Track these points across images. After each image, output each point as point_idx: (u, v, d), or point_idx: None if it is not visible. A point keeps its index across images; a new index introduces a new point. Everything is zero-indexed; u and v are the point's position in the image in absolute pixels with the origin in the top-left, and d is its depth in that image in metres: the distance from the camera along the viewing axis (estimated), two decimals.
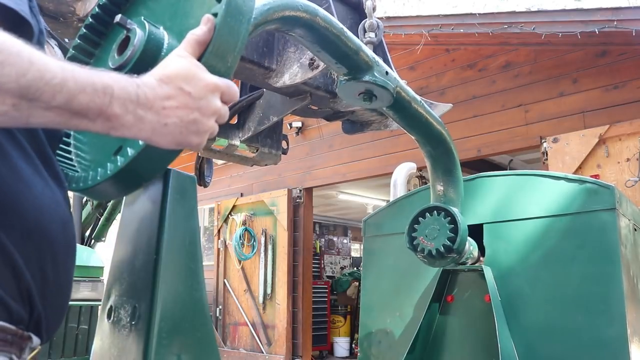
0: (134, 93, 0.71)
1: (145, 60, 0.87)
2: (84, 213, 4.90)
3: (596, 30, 4.20)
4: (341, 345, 8.99)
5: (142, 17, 0.91)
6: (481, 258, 1.87)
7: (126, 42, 0.89)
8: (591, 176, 3.88)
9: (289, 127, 7.57)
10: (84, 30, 1.08)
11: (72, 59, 1.08)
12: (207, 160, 2.18)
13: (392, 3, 5.75)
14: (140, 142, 0.79)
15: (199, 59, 0.79)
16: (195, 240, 1.19)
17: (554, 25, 4.51)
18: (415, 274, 2.03)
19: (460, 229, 1.62)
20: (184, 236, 1.13)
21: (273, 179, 7.94)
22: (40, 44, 0.87)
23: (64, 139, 1.04)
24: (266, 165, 2.15)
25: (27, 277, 0.80)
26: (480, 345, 1.75)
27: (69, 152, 1.02)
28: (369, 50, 1.30)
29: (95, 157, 0.96)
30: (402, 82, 1.40)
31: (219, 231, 8.35)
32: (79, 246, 4.20)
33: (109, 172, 0.83)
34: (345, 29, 1.22)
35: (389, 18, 5.40)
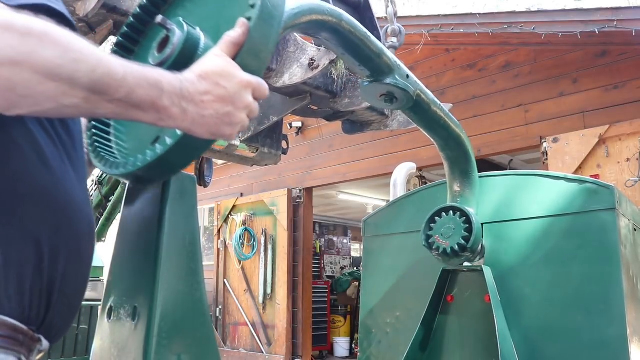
0: (179, 87, 0.78)
1: (184, 57, 0.93)
2: None
3: (596, 30, 4.20)
4: (341, 345, 8.98)
5: (181, 18, 0.97)
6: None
7: (166, 41, 0.96)
8: (591, 176, 3.88)
9: (289, 127, 7.57)
10: (125, 29, 1.15)
11: (114, 54, 1.14)
12: (207, 160, 2.19)
13: None
14: (178, 132, 0.86)
15: (234, 59, 0.86)
16: (195, 240, 1.19)
17: (554, 25, 4.51)
18: (415, 273, 2.03)
19: (475, 228, 1.66)
20: (184, 236, 1.13)
21: (273, 179, 7.94)
22: None
23: (103, 127, 1.11)
24: (266, 165, 2.15)
25: (51, 271, 0.83)
26: (480, 345, 1.75)
27: (109, 140, 1.09)
28: (391, 54, 1.35)
29: (135, 146, 1.04)
30: (423, 86, 1.43)
31: (219, 231, 8.35)
32: None
33: (148, 158, 0.90)
34: (369, 33, 1.26)
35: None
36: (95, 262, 4.07)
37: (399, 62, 1.36)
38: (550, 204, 1.73)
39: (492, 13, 4.94)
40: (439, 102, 1.52)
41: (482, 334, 1.74)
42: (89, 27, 1.54)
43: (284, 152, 2.12)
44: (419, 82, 1.41)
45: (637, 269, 1.74)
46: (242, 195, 8.33)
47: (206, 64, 0.82)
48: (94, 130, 1.11)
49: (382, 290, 2.15)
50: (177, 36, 0.93)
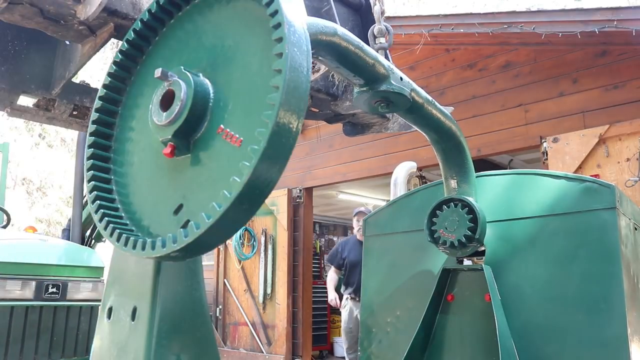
0: None
1: (196, 111, 0.85)
2: (84, 214, 4.89)
3: (596, 30, 4.20)
4: (341, 345, 8.96)
5: (182, 67, 0.89)
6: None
7: (169, 95, 0.87)
8: (591, 176, 3.88)
9: None
10: (105, 89, 1.10)
11: (102, 99, 1.11)
12: None
13: (392, 3, 5.74)
14: (207, 219, 0.79)
15: None
16: None
17: (554, 25, 4.51)
18: (415, 273, 2.03)
19: (479, 218, 1.66)
20: None
21: None
22: None
23: (106, 194, 1.05)
24: None
25: None
26: (481, 344, 1.75)
27: (117, 207, 1.03)
28: (383, 60, 1.32)
29: (153, 218, 0.96)
30: (415, 85, 1.41)
31: None
32: (79, 246, 4.20)
33: (174, 244, 0.84)
34: (362, 43, 1.23)
35: (388, 18, 5.40)
36: (96, 263, 4.06)
37: (391, 65, 1.34)
38: (550, 203, 1.73)
39: (492, 13, 4.94)
40: (431, 98, 1.52)
41: (483, 333, 1.74)
42: (89, 30, 1.54)
43: None
44: (411, 82, 1.40)
45: (637, 268, 1.74)
46: None
47: None
48: (98, 203, 1.03)
49: (382, 289, 2.15)
50: (184, 90, 0.84)
